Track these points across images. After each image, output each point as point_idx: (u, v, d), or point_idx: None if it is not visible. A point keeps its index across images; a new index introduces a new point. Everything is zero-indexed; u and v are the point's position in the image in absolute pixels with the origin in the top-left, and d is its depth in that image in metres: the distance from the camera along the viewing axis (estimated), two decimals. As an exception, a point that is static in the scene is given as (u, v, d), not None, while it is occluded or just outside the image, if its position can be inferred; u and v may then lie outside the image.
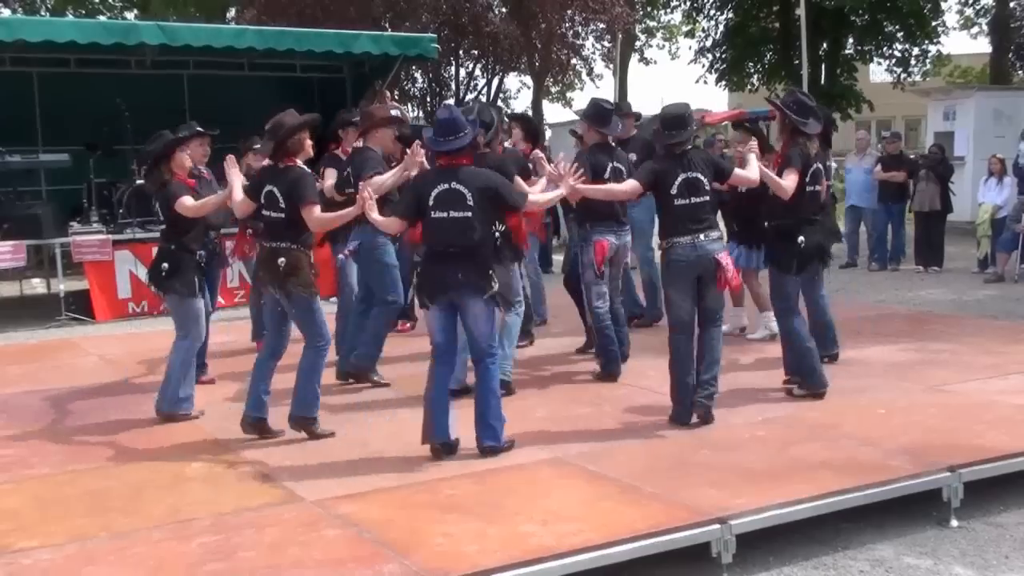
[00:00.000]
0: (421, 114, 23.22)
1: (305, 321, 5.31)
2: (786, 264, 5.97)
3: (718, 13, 29.59)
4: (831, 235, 6.45)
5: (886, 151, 13.23)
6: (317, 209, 5.21)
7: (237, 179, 5.54)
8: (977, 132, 16.55)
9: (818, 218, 6.11)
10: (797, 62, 23.43)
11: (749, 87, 30.12)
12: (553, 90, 32.20)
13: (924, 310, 9.69)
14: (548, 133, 26.56)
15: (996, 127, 16.43)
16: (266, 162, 5.55)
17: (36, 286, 12.32)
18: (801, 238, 5.90)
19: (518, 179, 5.68)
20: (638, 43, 33.67)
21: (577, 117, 8.34)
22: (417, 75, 23.15)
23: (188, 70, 12.90)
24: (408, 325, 8.49)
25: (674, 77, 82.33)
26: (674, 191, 5.40)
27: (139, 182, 11.01)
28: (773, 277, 6.10)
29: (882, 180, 12.77)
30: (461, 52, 22.53)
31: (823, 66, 27.39)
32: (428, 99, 23.84)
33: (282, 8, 19.36)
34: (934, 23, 27.75)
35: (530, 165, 6.60)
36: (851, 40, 28.13)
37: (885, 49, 28.45)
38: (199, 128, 6.48)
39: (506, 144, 6.79)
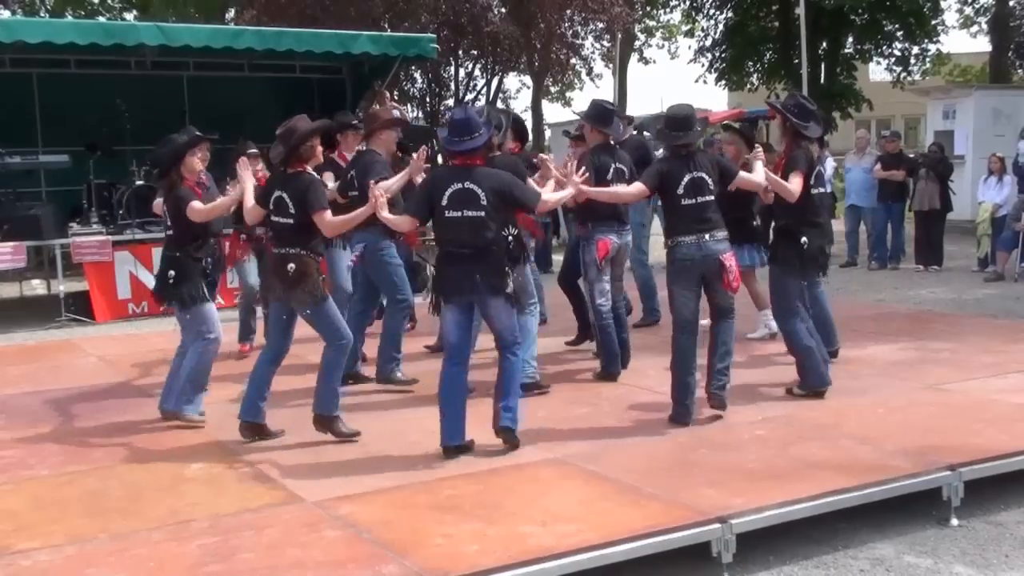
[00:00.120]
0: (420, 114, 23.22)
1: (320, 324, 5.28)
2: (790, 265, 5.99)
3: (717, 12, 29.59)
4: (830, 239, 6.46)
5: (885, 150, 13.23)
6: (328, 214, 5.18)
7: (249, 183, 5.50)
8: (977, 131, 16.55)
9: (820, 221, 6.13)
10: (796, 61, 23.42)
11: (749, 86, 30.14)
12: (553, 90, 32.21)
13: (924, 309, 9.69)
14: (548, 133, 26.64)
15: (996, 126, 16.43)
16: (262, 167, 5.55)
17: (36, 287, 12.34)
18: (804, 239, 5.93)
19: (530, 180, 5.68)
20: (637, 43, 33.67)
21: (576, 117, 8.35)
22: (416, 75, 23.15)
23: (188, 71, 12.91)
24: (409, 325, 8.48)
25: (674, 77, 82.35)
26: (680, 191, 5.42)
27: (139, 183, 11.06)
28: (775, 278, 6.10)
29: (882, 179, 12.78)
30: (460, 52, 22.52)
31: (823, 65, 27.39)
32: (427, 99, 23.85)
33: (281, 9, 19.35)
34: (933, 22, 27.76)
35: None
36: (851, 39, 28.14)
37: (885, 48, 28.46)
38: (198, 133, 6.45)
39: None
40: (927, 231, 12.85)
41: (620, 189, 6.10)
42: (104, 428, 5.76)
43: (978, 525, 4.42)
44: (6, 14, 25.39)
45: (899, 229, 13.10)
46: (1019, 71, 29.71)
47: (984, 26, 31.06)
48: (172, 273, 5.67)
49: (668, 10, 32.50)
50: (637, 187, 5.70)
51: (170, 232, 5.79)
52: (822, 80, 26.67)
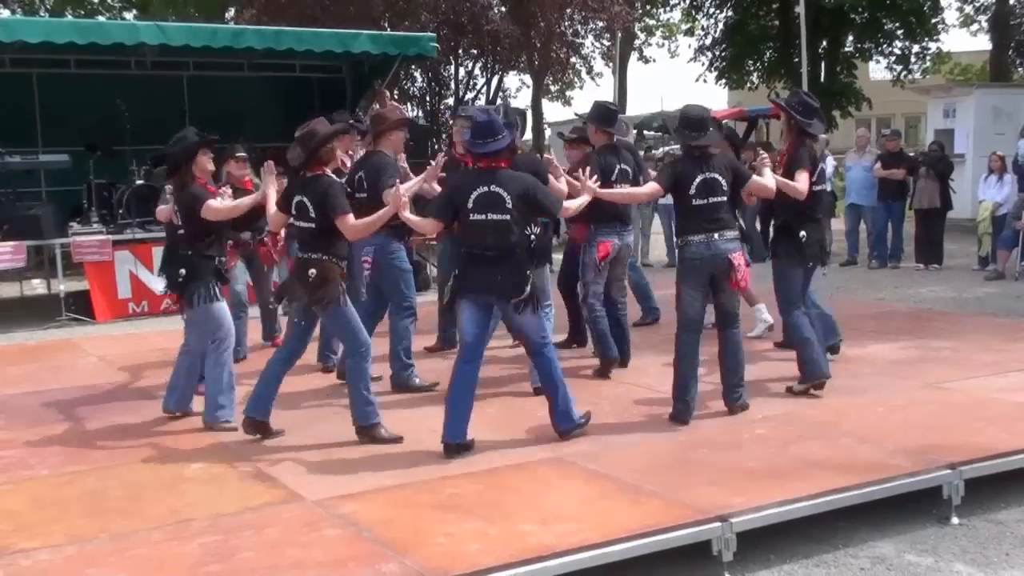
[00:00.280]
0: (421, 113, 23.20)
1: (340, 330, 5.27)
2: (791, 257, 6.05)
3: (717, 11, 29.60)
4: (829, 234, 6.52)
5: (885, 149, 13.22)
6: (351, 218, 5.14)
7: (272, 189, 5.45)
8: (977, 129, 16.54)
9: (819, 216, 6.19)
10: (797, 60, 23.44)
11: (749, 85, 30.15)
12: (553, 89, 32.17)
13: (924, 308, 9.69)
14: (548, 132, 26.63)
15: (996, 124, 16.43)
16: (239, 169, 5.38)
17: (36, 287, 12.34)
18: (803, 232, 5.99)
19: (552, 181, 5.68)
20: (637, 41, 33.65)
21: (575, 116, 8.36)
22: (416, 74, 23.10)
23: (188, 71, 12.91)
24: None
25: (674, 76, 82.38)
26: (692, 191, 5.45)
27: (139, 183, 11.06)
28: (777, 271, 6.14)
29: (882, 178, 12.77)
30: (460, 51, 22.47)
31: (823, 64, 27.40)
32: (427, 98, 23.81)
33: (281, 8, 19.33)
34: (934, 20, 27.78)
35: None
36: (851, 38, 28.14)
37: (885, 47, 28.47)
38: (197, 133, 6.42)
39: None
40: (927, 230, 12.84)
41: (635, 189, 6.20)
42: (104, 428, 5.76)
43: (978, 523, 4.42)
44: (6, 13, 25.38)
45: (899, 228, 13.09)
46: (1019, 69, 29.70)
47: (984, 24, 31.08)
48: (183, 271, 5.61)
49: (668, 9, 32.52)
50: (651, 187, 5.76)
51: (181, 231, 5.72)
52: (822, 79, 26.67)
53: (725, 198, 5.49)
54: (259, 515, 4.23)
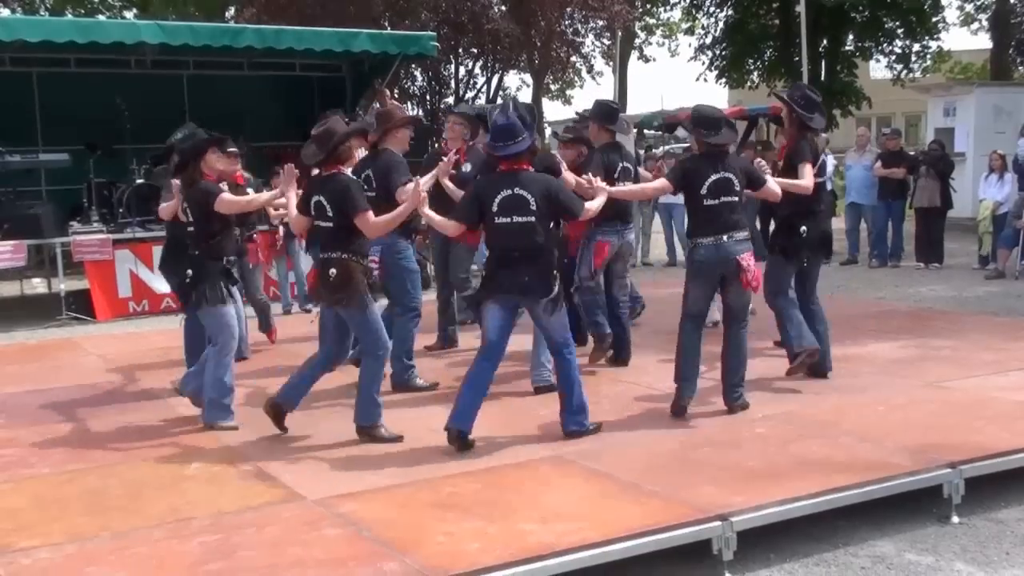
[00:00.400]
0: (421, 112, 23.19)
1: (361, 330, 5.23)
2: (789, 254, 6.11)
3: (718, 10, 29.60)
4: (830, 225, 6.61)
5: (885, 147, 13.22)
6: (371, 215, 5.11)
7: (292, 192, 5.41)
8: (977, 128, 16.53)
9: (821, 208, 6.26)
10: (797, 59, 23.41)
11: (749, 84, 30.14)
12: (553, 88, 32.22)
13: (924, 307, 9.69)
14: (548, 131, 26.62)
15: (996, 123, 16.42)
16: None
17: (36, 286, 12.34)
18: (804, 228, 6.05)
19: (566, 174, 5.67)
20: (638, 40, 33.66)
21: (576, 116, 8.37)
22: (417, 73, 23.12)
23: (188, 70, 12.91)
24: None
25: (674, 75, 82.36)
26: (704, 191, 5.45)
27: (139, 182, 11.06)
28: (772, 264, 6.21)
29: (882, 177, 12.77)
30: (461, 50, 22.49)
31: (823, 63, 27.39)
32: (428, 97, 23.82)
33: (281, 7, 19.35)
34: (934, 19, 27.76)
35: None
36: (851, 36, 28.13)
37: (885, 45, 28.46)
38: (198, 128, 6.42)
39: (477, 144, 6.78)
40: (928, 229, 12.84)
41: (644, 185, 6.28)
42: (105, 426, 5.76)
43: (979, 522, 4.42)
44: (6, 12, 25.39)
45: (899, 227, 13.09)
46: (1020, 68, 29.69)
47: (985, 23, 31.09)
48: (189, 272, 5.57)
49: (668, 8, 32.53)
50: (661, 182, 5.80)
51: (190, 228, 5.67)
52: (822, 78, 26.67)
53: (737, 198, 5.50)
54: (259, 514, 4.23)
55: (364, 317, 5.17)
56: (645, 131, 24.98)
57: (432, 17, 19.97)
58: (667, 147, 22.24)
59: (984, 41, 33.66)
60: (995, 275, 11.70)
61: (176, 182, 5.83)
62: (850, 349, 6.99)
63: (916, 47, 28.35)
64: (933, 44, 28.39)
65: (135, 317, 10.41)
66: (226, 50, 11.33)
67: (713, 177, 5.43)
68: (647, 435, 5.26)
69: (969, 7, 31.44)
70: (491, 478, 4.61)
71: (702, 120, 5.55)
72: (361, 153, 6.71)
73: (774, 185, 5.78)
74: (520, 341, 7.45)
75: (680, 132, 20.00)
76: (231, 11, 26.36)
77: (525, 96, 28.37)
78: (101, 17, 26.80)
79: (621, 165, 6.53)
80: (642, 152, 15.93)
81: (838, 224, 13.83)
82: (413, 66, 21.15)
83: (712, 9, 29.73)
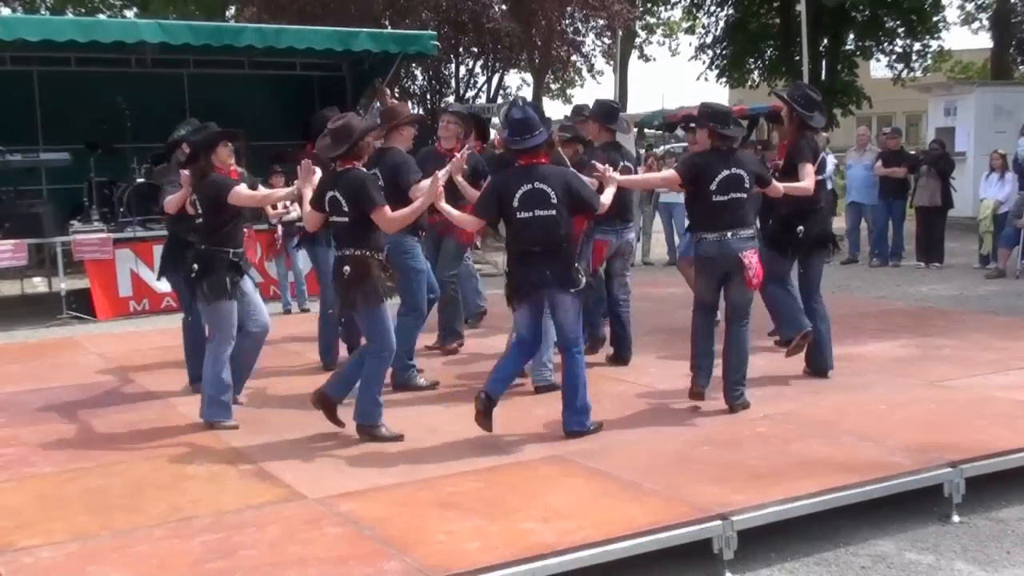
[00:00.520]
0: (421, 111, 23.18)
1: (369, 328, 5.21)
2: (785, 251, 6.16)
3: (718, 9, 29.60)
4: (830, 221, 6.67)
5: (886, 147, 13.21)
6: (388, 210, 5.08)
7: (308, 188, 5.39)
8: (978, 128, 16.54)
9: (821, 207, 6.30)
10: (798, 58, 23.43)
11: (749, 83, 30.14)
12: (553, 87, 32.19)
13: (925, 306, 9.69)
14: (548, 130, 26.55)
15: (997, 122, 16.42)
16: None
17: (37, 285, 12.34)
18: (800, 228, 6.08)
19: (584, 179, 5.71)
20: (638, 40, 33.63)
21: (570, 111, 8.38)
22: (417, 72, 23.09)
23: (188, 68, 12.90)
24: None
25: (674, 74, 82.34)
26: (713, 187, 5.46)
27: (140, 180, 11.06)
28: (768, 258, 6.19)
29: (883, 176, 12.77)
30: (461, 49, 22.45)
31: (824, 62, 27.40)
32: (428, 96, 23.79)
33: (281, 6, 19.32)
34: (935, 18, 27.76)
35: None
36: (852, 36, 28.13)
37: (886, 45, 28.45)
38: (198, 123, 6.38)
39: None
40: (928, 228, 12.84)
41: (651, 174, 6.30)
42: (106, 425, 5.76)
43: (979, 522, 4.42)
44: (6, 11, 25.39)
45: (900, 226, 13.08)
46: (1020, 67, 29.69)
47: (985, 22, 31.11)
48: (196, 267, 5.53)
49: (669, 7, 32.52)
50: (670, 173, 5.83)
51: (199, 222, 5.62)
52: (823, 77, 26.67)
53: (746, 195, 5.52)
54: (260, 513, 4.23)
55: (376, 316, 5.16)
56: (646, 130, 24.97)
57: (432, 16, 19.94)
58: (667, 146, 22.23)
59: (985, 40, 33.71)
60: (996, 274, 11.70)
61: (185, 174, 5.78)
62: (851, 348, 6.99)
63: (917, 46, 28.37)
64: (934, 43, 28.41)
65: (136, 316, 10.41)
66: (226, 49, 11.33)
67: (724, 173, 5.44)
68: (648, 434, 5.26)
69: (970, 6, 31.51)
70: (492, 477, 4.61)
71: (713, 114, 5.58)
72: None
73: (780, 187, 5.83)
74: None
75: (680, 132, 20.02)
76: (231, 10, 26.35)
77: (526, 95, 28.36)
78: (101, 16, 26.78)
79: (622, 164, 6.53)
80: (642, 151, 15.94)
81: (839, 223, 13.86)
82: (413, 65, 21.12)
83: (713, 8, 29.74)
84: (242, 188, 5.53)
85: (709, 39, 29.98)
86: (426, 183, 5.38)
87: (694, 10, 30.85)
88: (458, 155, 5.96)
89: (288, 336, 8.15)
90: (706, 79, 39.52)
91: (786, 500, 4.17)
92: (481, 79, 24.29)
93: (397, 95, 17.26)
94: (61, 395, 6.53)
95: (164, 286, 9.35)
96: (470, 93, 23.94)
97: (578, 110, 7.41)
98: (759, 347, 7.28)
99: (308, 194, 5.38)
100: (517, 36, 20.60)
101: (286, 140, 11.00)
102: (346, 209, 5.09)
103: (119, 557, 3.80)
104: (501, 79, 25.33)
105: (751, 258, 5.47)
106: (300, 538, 3.91)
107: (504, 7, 21.11)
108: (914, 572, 3.95)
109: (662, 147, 22.10)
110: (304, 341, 7.76)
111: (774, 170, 6.08)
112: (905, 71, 28.54)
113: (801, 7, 19.14)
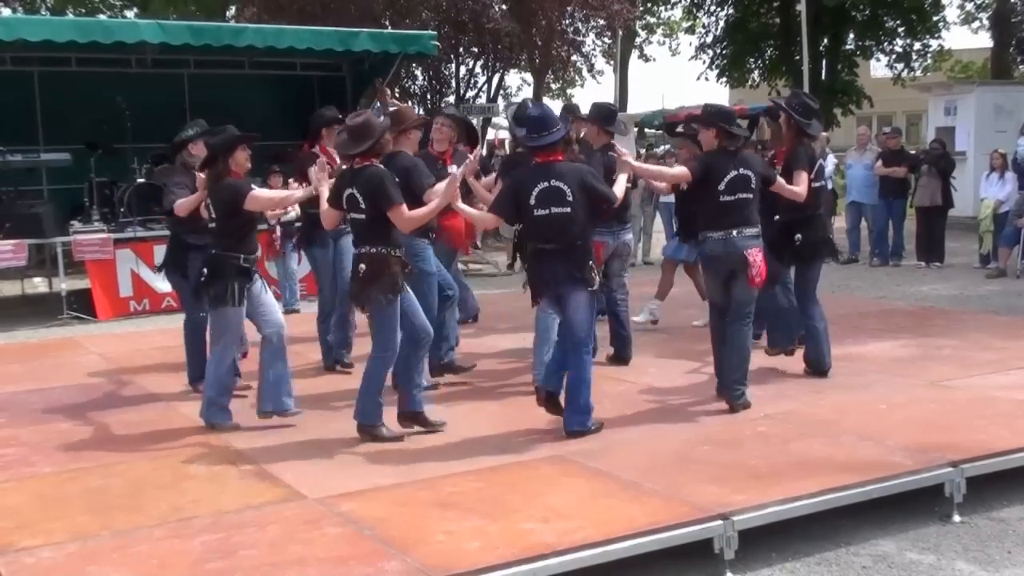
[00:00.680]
0: (422, 111, 23.18)
1: (378, 327, 5.19)
2: (782, 256, 6.18)
3: (718, 9, 29.59)
4: (829, 228, 6.72)
5: (886, 146, 13.21)
6: (404, 208, 5.08)
7: (325, 187, 5.37)
8: (978, 127, 16.54)
9: (819, 213, 6.34)
10: (798, 58, 23.42)
11: (750, 83, 30.13)
12: (554, 87, 32.14)
13: (925, 306, 9.69)
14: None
15: (997, 122, 16.42)
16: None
17: (38, 285, 12.34)
18: (798, 236, 6.13)
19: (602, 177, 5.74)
20: (638, 39, 33.62)
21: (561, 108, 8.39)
22: (417, 72, 23.08)
23: (188, 69, 12.90)
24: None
25: (675, 74, 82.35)
26: (722, 187, 5.50)
27: (140, 181, 11.05)
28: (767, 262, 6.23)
29: (883, 176, 12.77)
30: (461, 49, 22.45)
31: (824, 62, 27.39)
32: (428, 96, 23.78)
33: (281, 6, 19.31)
34: (935, 18, 27.76)
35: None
36: (852, 35, 28.12)
37: (886, 44, 28.44)
38: (206, 124, 6.35)
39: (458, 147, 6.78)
40: (929, 227, 12.83)
41: (665, 169, 6.33)
42: (106, 425, 5.76)
43: (980, 521, 4.42)
44: (6, 12, 25.39)
45: (900, 226, 13.08)
46: (1020, 67, 29.67)
47: (985, 22, 31.07)
48: (205, 271, 5.48)
49: (669, 7, 32.51)
50: (681, 169, 5.87)
51: (212, 225, 5.57)
52: (823, 76, 26.67)
53: (751, 196, 5.55)
54: (261, 513, 4.23)
55: (385, 314, 5.14)
56: (646, 130, 24.94)
57: (433, 16, 19.93)
58: (667, 146, 22.23)
59: (985, 40, 33.66)
60: (996, 274, 11.70)
61: (202, 177, 5.75)
62: (851, 348, 6.99)
63: (917, 46, 28.35)
64: (934, 43, 28.40)
65: (136, 316, 10.41)
66: (227, 49, 11.32)
67: (732, 174, 5.49)
68: (648, 434, 5.26)
69: (970, 6, 31.47)
70: (492, 477, 4.61)
71: (719, 114, 5.65)
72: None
73: (781, 181, 5.89)
74: (521, 340, 7.47)
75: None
76: (232, 10, 26.35)
77: (526, 95, 28.37)
78: (102, 16, 26.78)
79: None
80: (643, 151, 15.93)
81: (839, 223, 13.86)
82: (414, 65, 21.11)
83: (713, 8, 29.72)
84: (259, 192, 5.50)
85: (709, 39, 29.98)
86: (441, 186, 5.40)
87: (694, 10, 30.83)
88: (470, 156, 5.96)
89: (288, 336, 8.12)
90: (706, 79, 39.56)
91: (787, 500, 4.17)
92: (481, 79, 24.30)
93: (397, 95, 17.24)
94: (61, 395, 6.53)
95: (165, 286, 9.37)
96: (470, 93, 23.94)
97: (569, 109, 7.39)
98: (758, 346, 7.29)
99: (325, 193, 5.37)
100: (517, 36, 20.60)
101: (286, 140, 10.99)
102: (363, 206, 5.09)
103: (119, 557, 3.80)
104: (501, 79, 25.34)
105: (756, 256, 5.49)
106: (300, 538, 3.91)
107: (504, 7, 21.10)
108: (915, 572, 3.95)
109: (662, 147, 22.08)
110: (304, 341, 7.74)
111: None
112: (905, 71, 28.53)
113: (801, 7, 19.13)
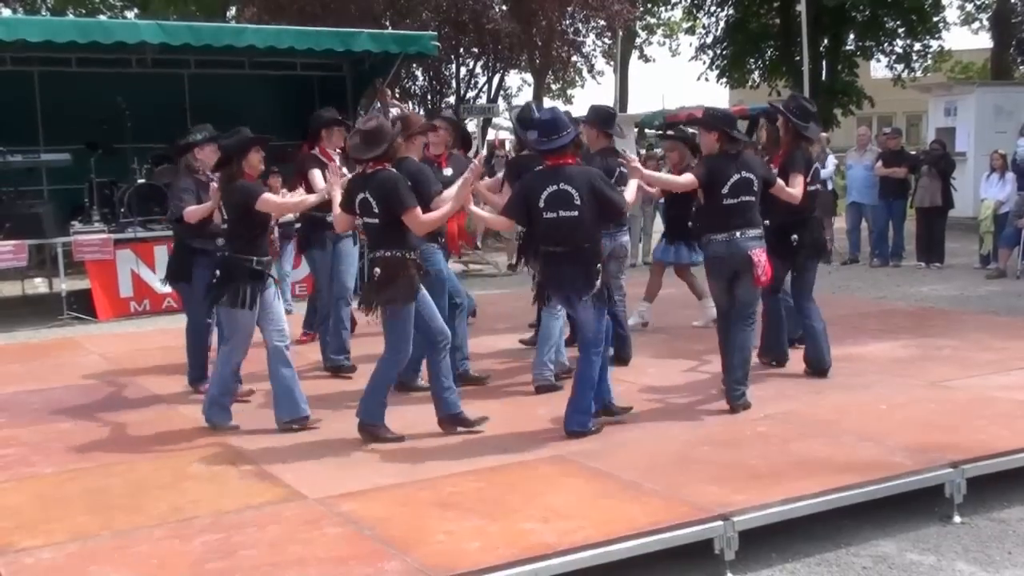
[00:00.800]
0: (422, 112, 23.18)
1: (391, 328, 5.17)
2: (781, 257, 6.16)
3: (719, 9, 29.58)
4: (823, 229, 6.81)
5: (886, 147, 13.21)
6: (419, 211, 5.07)
7: (337, 191, 5.36)
8: (978, 128, 16.54)
9: (814, 215, 6.43)
10: (798, 58, 23.43)
11: (750, 83, 30.13)
12: (554, 87, 32.17)
13: (926, 306, 9.69)
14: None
15: (997, 123, 16.42)
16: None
17: (38, 285, 12.35)
18: (794, 236, 6.19)
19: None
20: (638, 40, 33.63)
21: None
22: (417, 73, 23.09)
23: (189, 69, 12.89)
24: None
25: (675, 75, 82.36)
26: (725, 190, 5.53)
27: (140, 181, 11.05)
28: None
29: (883, 176, 12.76)
30: (462, 50, 22.46)
31: (824, 62, 27.39)
32: (429, 97, 23.79)
33: (282, 6, 19.32)
34: (935, 19, 27.75)
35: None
36: (852, 36, 28.13)
37: (886, 45, 28.45)
38: (213, 129, 6.33)
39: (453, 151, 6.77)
40: (929, 228, 12.83)
41: (673, 177, 6.40)
42: (106, 426, 5.76)
43: (981, 522, 4.42)
44: (7, 12, 25.39)
45: (900, 226, 13.08)
46: (1021, 67, 29.68)
47: (985, 23, 31.07)
48: (217, 273, 5.46)
49: (669, 7, 32.51)
50: (688, 177, 5.88)
51: (225, 227, 5.57)
52: (823, 77, 26.68)
53: (754, 198, 5.59)
54: (261, 513, 4.23)
55: (400, 317, 5.13)
56: (646, 131, 24.95)
57: (433, 16, 19.94)
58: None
59: (985, 40, 33.67)
60: (996, 274, 11.70)
61: (215, 186, 5.70)
62: (851, 348, 6.99)
63: (917, 46, 28.35)
64: (934, 43, 28.39)
65: (136, 317, 10.41)
66: (227, 49, 11.32)
67: (735, 177, 5.53)
68: (648, 434, 5.26)
69: (970, 6, 31.47)
70: (492, 477, 4.61)
71: (722, 119, 5.69)
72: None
73: (781, 183, 5.92)
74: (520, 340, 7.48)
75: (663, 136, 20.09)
76: (232, 11, 26.36)
77: (526, 96, 28.39)
78: (102, 17, 26.80)
79: (619, 171, 6.53)
80: (642, 152, 15.94)
81: (839, 223, 13.87)
82: (414, 66, 21.12)
83: (713, 8, 29.71)
84: (270, 195, 5.49)
85: (709, 39, 29.97)
86: (450, 191, 5.41)
87: (694, 10, 30.83)
88: (475, 161, 5.97)
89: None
90: (706, 79, 39.60)
91: (787, 500, 4.17)
92: (481, 79, 24.31)
93: (397, 95, 17.26)
94: (62, 395, 6.53)
95: (166, 286, 9.36)
96: (470, 94, 23.95)
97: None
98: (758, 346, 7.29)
99: (337, 196, 5.37)
100: (517, 36, 20.60)
101: (286, 140, 10.99)
102: (377, 211, 5.08)
103: (119, 557, 3.80)
104: (501, 79, 25.35)
105: (760, 256, 5.51)
106: (300, 538, 3.91)
107: (504, 7, 21.11)
108: (916, 572, 3.95)
109: (662, 147, 22.08)
110: (304, 341, 7.77)
111: None
112: (905, 71, 28.52)
113: (801, 7, 19.14)
